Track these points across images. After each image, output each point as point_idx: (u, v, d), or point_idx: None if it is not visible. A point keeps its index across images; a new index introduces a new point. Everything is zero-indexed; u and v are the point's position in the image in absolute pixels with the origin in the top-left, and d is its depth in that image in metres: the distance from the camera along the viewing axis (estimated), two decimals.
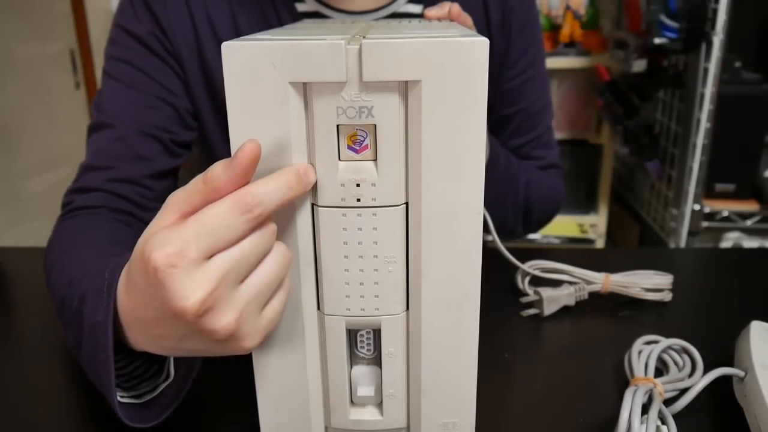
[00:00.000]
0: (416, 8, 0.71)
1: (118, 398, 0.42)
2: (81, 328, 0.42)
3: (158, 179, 0.64)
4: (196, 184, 0.33)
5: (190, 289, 0.31)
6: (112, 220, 0.59)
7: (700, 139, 1.38)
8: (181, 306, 0.31)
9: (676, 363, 0.51)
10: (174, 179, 0.68)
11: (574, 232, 1.75)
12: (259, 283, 0.34)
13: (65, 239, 0.56)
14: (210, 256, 0.32)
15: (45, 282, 0.54)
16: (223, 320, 0.32)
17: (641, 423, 0.41)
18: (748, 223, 1.46)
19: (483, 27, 0.71)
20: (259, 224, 0.33)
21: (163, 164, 0.65)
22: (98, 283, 0.41)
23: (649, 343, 0.53)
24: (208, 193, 0.33)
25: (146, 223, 0.63)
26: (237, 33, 0.66)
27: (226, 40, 0.34)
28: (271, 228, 0.34)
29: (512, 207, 0.74)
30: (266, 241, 0.34)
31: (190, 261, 0.31)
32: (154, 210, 0.63)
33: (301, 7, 0.68)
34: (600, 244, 1.73)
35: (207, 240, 0.32)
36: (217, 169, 0.33)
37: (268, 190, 0.33)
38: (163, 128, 0.65)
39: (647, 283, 0.64)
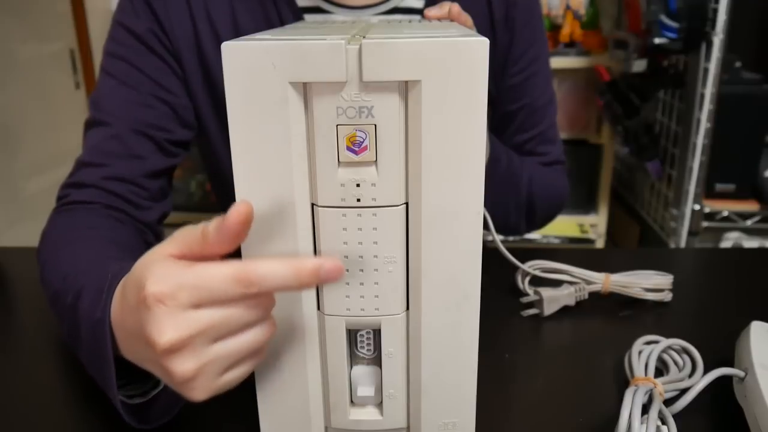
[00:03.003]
0: (417, 2, 0.71)
1: (123, 400, 0.43)
2: (77, 323, 0.43)
3: (152, 178, 0.65)
4: (197, 231, 0.34)
5: (166, 329, 0.33)
6: (107, 217, 0.60)
7: (700, 139, 1.38)
8: (153, 339, 0.33)
9: (676, 363, 0.51)
10: (169, 178, 0.68)
11: (574, 232, 1.75)
12: (232, 349, 0.35)
13: (60, 233, 0.57)
14: (198, 307, 0.33)
15: (39, 274, 0.54)
16: (182, 366, 0.33)
17: (641, 423, 0.41)
18: (748, 223, 1.46)
19: (486, 23, 0.71)
20: (255, 296, 0.34)
21: (157, 163, 0.65)
22: (98, 282, 0.42)
23: (649, 343, 0.53)
24: (204, 245, 0.34)
25: (139, 221, 0.63)
26: (236, 29, 0.66)
27: (225, 37, 0.34)
28: (267, 303, 0.35)
29: (515, 205, 0.74)
30: (257, 314, 0.35)
31: (178, 305, 0.33)
32: (147, 209, 0.64)
33: (301, 2, 0.68)
34: (600, 244, 1.73)
35: (200, 294, 0.33)
36: (212, 227, 0.33)
37: (275, 274, 0.33)
38: (159, 127, 0.65)
39: (647, 283, 0.64)
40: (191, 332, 0.33)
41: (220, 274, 0.33)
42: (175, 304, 0.32)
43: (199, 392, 0.35)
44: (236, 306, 0.34)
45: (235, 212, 0.33)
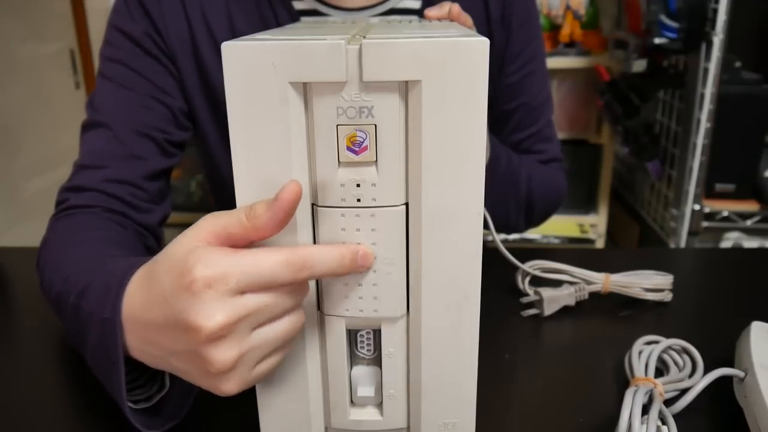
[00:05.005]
0: (415, 3, 0.71)
1: (130, 404, 0.42)
2: (82, 323, 0.42)
3: (152, 180, 0.64)
4: (238, 216, 0.34)
5: (214, 313, 0.32)
6: (107, 220, 0.59)
7: (700, 139, 1.38)
8: (199, 323, 0.32)
9: (676, 363, 0.51)
10: (167, 180, 0.68)
11: (574, 232, 1.75)
12: (270, 336, 0.35)
13: (60, 238, 0.56)
14: (244, 292, 0.33)
15: (39, 280, 0.54)
16: (224, 354, 0.33)
17: (641, 423, 0.41)
18: (748, 223, 1.46)
19: (483, 22, 0.71)
20: (297, 282, 0.34)
21: (157, 164, 0.64)
22: (103, 280, 0.41)
23: (649, 343, 0.53)
24: (249, 229, 0.34)
25: (139, 224, 0.63)
26: (233, 32, 0.66)
27: (221, 39, 0.34)
28: (303, 290, 0.36)
29: (515, 204, 0.74)
30: (294, 301, 0.35)
31: (227, 290, 0.32)
32: (148, 211, 0.64)
33: (298, 5, 0.68)
34: (600, 244, 1.73)
35: (249, 279, 0.33)
36: (260, 208, 0.33)
37: (322, 261, 0.34)
38: (158, 128, 0.65)
39: (647, 283, 0.64)
40: (237, 316, 0.33)
41: (272, 259, 0.33)
42: (223, 289, 0.32)
43: (233, 384, 0.35)
44: (279, 292, 0.34)
45: (286, 190, 0.33)
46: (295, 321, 0.36)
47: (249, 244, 0.35)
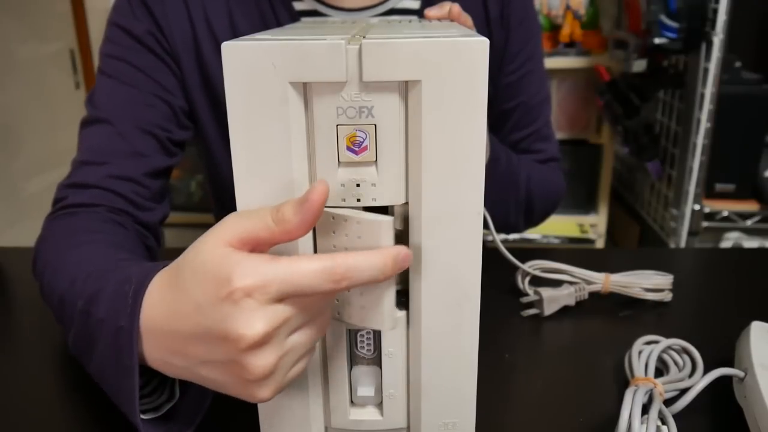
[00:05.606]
0: (414, 3, 0.71)
1: (141, 417, 0.40)
2: (91, 330, 0.41)
3: (154, 177, 0.64)
4: (264, 219, 0.33)
5: (255, 322, 0.32)
6: (109, 221, 0.58)
7: (700, 139, 1.38)
8: (241, 333, 0.32)
9: (676, 363, 0.51)
10: (167, 179, 0.67)
11: (574, 232, 1.75)
12: (304, 340, 0.35)
13: (61, 238, 0.54)
14: (282, 301, 0.33)
15: (38, 282, 0.52)
16: (264, 360, 0.33)
17: (641, 423, 0.41)
18: (748, 223, 1.46)
19: (482, 22, 0.71)
20: None
21: (159, 162, 0.64)
22: (117, 287, 0.40)
23: (649, 343, 0.53)
24: (276, 233, 0.33)
25: (140, 223, 0.62)
26: (234, 31, 0.66)
27: (223, 38, 0.34)
28: (331, 300, 0.36)
29: (514, 204, 0.74)
30: (326, 305, 0.35)
31: (267, 299, 0.32)
32: (150, 210, 0.63)
33: (298, 6, 0.68)
34: (600, 244, 1.73)
35: (288, 288, 0.32)
36: (288, 211, 0.33)
37: (362, 268, 0.33)
38: (160, 126, 0.64)
39: (647, 283, 0.64)
40: (278, 324, 0.33)
41: (310, 269, 0.32)
42: (263, 298, 0.32)
43: (269, 389, 0.34)
44: (315, 297, 0.34)
45: (316, 191, 0.32)
46: (324, 323, 0.36)
47: (274, 245, 0.34)
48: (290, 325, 0.34)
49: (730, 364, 0.50)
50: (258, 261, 0.32)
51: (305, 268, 0.32)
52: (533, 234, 1.72)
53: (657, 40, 1.32)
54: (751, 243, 1.51)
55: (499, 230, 0.59)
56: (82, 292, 0.43)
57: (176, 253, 0.37)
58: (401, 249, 0.34)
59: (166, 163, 0.65)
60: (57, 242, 0.54)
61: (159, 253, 0.64)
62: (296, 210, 0.32)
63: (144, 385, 0.43)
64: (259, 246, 0.34)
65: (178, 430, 0.42)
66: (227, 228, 0.34)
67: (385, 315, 0.36)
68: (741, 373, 0.47)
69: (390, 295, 0.36)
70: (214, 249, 0.33)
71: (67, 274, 0.47)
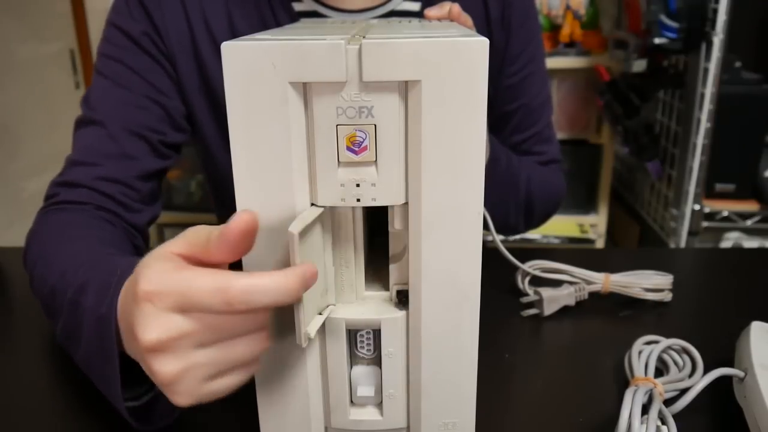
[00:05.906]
0: (414, 6, 0.71)
1: (126, 404, 0.42)
2: (78, 320, 0.43)
3: (144, 180, 0.64)
4: (207, 235, 0.33)
5: (150, 327, 0.32)
6: (99, 218, 0.59)
7: (700, 139, 1.38)
8: (137, 335, 0.33)
9: (676, 363, 0.51)
10: (159, 182, 0.67)
11: (574, 232, 1.75)
12: (218, 357, 0.34)
13: (52, 231, 0.56)
14: (184, 311, 0.32)
15: (29, 273, 0.54)
16: (164, 367, 0.33)
17: (641, 423, 0.41)
18: (748, 223, 1.46)
19: (482, 23, 0.71)
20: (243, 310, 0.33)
21: (149, 165, 0.64)
22: (103, 277, 0.42)
23: (649, 343, 0.53)
24: (203, 251, 0.33)
25: (128, 223, 0.63)
26: (233, 33, 0.66)
27: (221, 40, 0.34)
28: (259, 318, 0.34)
29: (514, 205, 0.74)
30: (246, 326, 0.34)
31: (164, 306, 0.32)
32: (138, 211, 0.64)
33: (298, 7, 0.68)
34: (600, 244, 1.73)
35: (183, 301, 0.32)
36: (216, 233, 0.32)
37: (261, 290, 0.31)
38: (152, 128, 0.65)
39: (647, 283, 0.64)
40: (173, 335, 0.32)
41: (202, 285, 0.31)
42: (161, 305, 0.32)
43: (183, 397, 0.34)
44: (223, 316, 0.33)
45: (236, 222, 0.31)
46: (251, 345, 0.34)
47: (214, 264, 0.33)
48: (194, 339, 0.33)
49: (730, 364, 0.50)
50: (164, 268, 0.33)
51: (199, 284, 0.32)
52: (533, 234, 1.72)
53: (657, 40, 1.32)
54: (751, 243, 1.51)
55: (499, 231, 0.59)
56: (72, 283, 0.45)
57: None
58: (307, 267, 0.32)
59: (157, 166, 0.65)
60: (49, 236, 0.56)
61: (146, 253, 0.64)
62: (219, 236, 0.32)
63: (128, 372, 0.43)
64: (198, 261, 0.34)
65: (158, 419, 0.43)
66: (181, 236, 0.34)
67: (300, 332, 0.34)
68: (741, 373, 0.47)
69: (300, 312, 0.34)
70: (156, 253, 0.34)
71: (58, 266, 0.48)
